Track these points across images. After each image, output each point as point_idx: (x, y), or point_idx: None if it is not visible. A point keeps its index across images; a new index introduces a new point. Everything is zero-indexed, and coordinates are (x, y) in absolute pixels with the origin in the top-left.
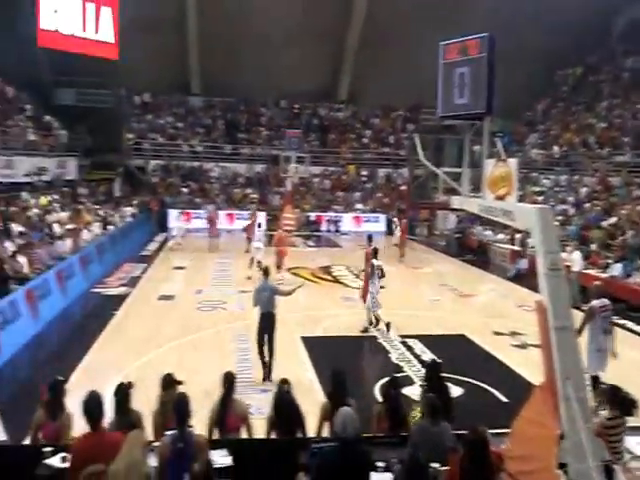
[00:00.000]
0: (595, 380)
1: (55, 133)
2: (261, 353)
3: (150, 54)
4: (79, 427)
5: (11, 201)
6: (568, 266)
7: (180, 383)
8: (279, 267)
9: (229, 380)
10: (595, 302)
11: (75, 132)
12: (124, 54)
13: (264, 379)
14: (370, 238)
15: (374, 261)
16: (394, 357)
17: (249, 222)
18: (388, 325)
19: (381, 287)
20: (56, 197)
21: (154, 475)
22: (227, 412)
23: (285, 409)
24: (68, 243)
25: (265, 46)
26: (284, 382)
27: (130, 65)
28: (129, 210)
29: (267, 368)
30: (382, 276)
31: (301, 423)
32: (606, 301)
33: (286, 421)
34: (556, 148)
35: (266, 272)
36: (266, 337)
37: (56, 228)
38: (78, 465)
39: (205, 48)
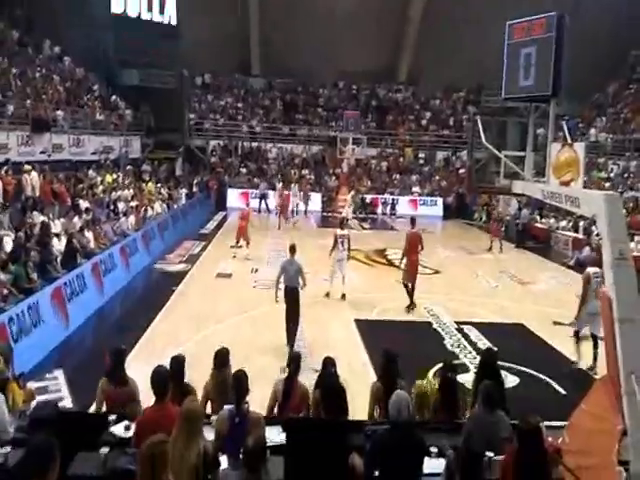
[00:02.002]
0: None
1: (121, 113)
2: (287, 322)
3: (211, 35)
4: (142, 396)
5: (79, 178)
6: (637, 257)
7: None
8: (237, 242)
9: (296, 361)
10: (590, 269)
11: (139, 112)
12: (186, 35)
13: (287, 343)
14: (413, 221)
15: (338, 231)
16: (449, 343)
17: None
18: (343, 296)
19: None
20: (121, 175)
21: (211, 448)
22: (291, 393)
23: (331, 390)
24: (132, 220)
25: (325, 26)
26: (330, 361)
27: (192, 46)
28: (183, 192)
29: (291, 334)
30: (348, 247)
31: (344, 406)
32: (599, 270)
33: (332, 402)
34: (626, 132)
35: (292, 249)
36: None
37: (120, 205)
38: (143, 435)
39: (265, 29)
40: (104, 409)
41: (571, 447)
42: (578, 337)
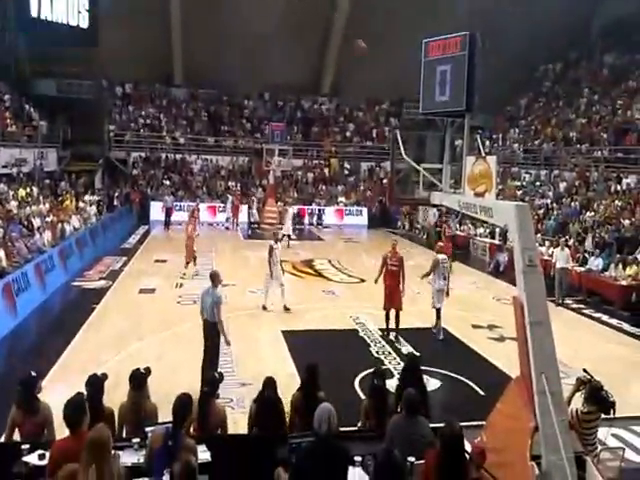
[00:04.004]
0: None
1: (35, 124)
2: (205, 358)
3: (132, 44)
4: (58, 422)
5: None
6: (548, 261)
7: (148, 373)
8: (188, 262)
9: (212, 384)
10: (439, 256)
11: (55, 123)
12: (106, 44)
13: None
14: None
15: (273, 244)
16: (374, 350)
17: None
18: (286, 308)
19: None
20: (35, 189)
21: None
22: (207, 414)
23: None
24: (48, 236)
25: (249, 38)
26: (269, 383)
27: (111, 55)
28: (92, 208)
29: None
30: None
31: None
32: (445, 257)
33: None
34: (537, 143)
35: (212, 278)
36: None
37: (35, 221)
38: (57, 465)
39: (188, 39)
40: (17, 438)
41: (487, 445)
42: (438, 312)
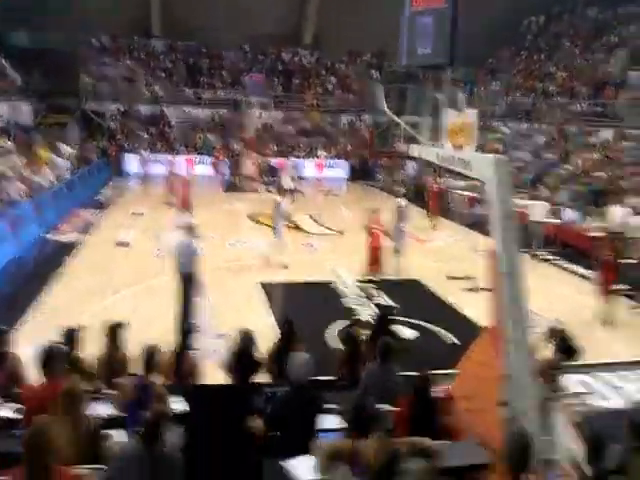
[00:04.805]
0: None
1: (8, 76)
2: (181, 311)
3: None
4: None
5: None
6: (523, 214)
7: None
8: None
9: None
10: (402, 202)
11: (29, 75)
12: None
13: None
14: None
15: (276, 198)
16: (351, 302)
17: None
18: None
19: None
20: (9, 143)
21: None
22: (181, 366)
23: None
24: (22, 188)
25: None
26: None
27: (88, 5)
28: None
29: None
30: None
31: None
32: (404, 202)
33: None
34: (517, 96)
35: (188, 230)
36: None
37: (9, 173)
38: (31, 414)
39: None
40: None
41: (459, 392)
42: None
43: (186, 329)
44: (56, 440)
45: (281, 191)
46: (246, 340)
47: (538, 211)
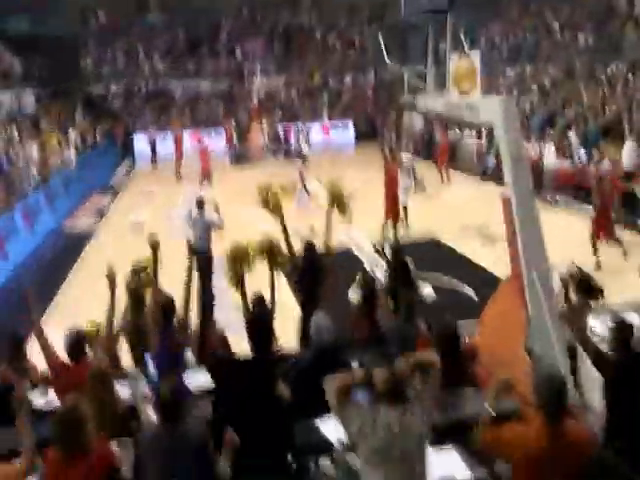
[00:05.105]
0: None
1: (8, 63)
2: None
3: None
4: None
5: None
6: (535, 159)
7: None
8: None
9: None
10: (403, 155)
11: (29, 62)
12: None
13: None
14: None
15: (300, 167)
16: (368, 265)
17: None
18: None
19: None
20: (15, 133)
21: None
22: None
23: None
24: (36, 171)
25: None
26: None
27: None
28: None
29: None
30: None
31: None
32: (410, 156)
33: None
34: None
35: (200, 204)
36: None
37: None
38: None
39: None
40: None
41: (482, 342)
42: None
43: (206, 302)
44: (88, 416)
45: (300, 156)
46: (258, 306)
47: (547, 154)
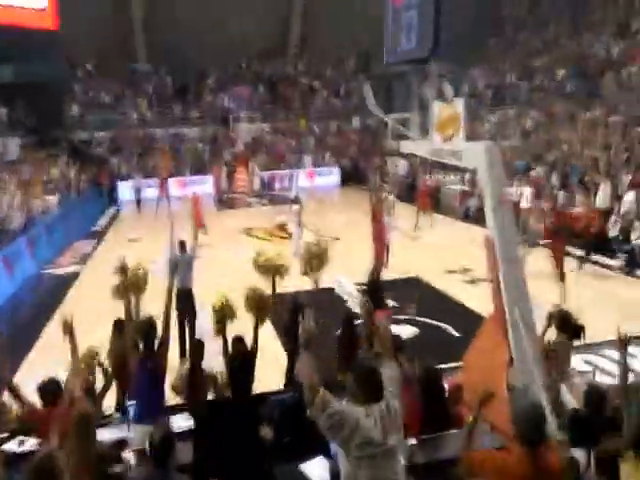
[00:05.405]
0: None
1: None
2: (181, 334)
3: (91, 22)
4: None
5: None
6: (516, 202)
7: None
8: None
9: (198, 349)
10: (388, 197)
11: (15, 110)
12: (64, 24)
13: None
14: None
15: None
16: (351, 304)
17: None
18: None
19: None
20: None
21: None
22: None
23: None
24: (19, 217)
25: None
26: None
27: (70, 36)
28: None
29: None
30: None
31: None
32: (390, 197)
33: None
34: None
35: (181, 244)
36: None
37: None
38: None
39: (147, 11)
40: None
41: (466, 382)
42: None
43: (196, 344)
44: (64, 468)
45: (295, 201)
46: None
47: (525, 197)
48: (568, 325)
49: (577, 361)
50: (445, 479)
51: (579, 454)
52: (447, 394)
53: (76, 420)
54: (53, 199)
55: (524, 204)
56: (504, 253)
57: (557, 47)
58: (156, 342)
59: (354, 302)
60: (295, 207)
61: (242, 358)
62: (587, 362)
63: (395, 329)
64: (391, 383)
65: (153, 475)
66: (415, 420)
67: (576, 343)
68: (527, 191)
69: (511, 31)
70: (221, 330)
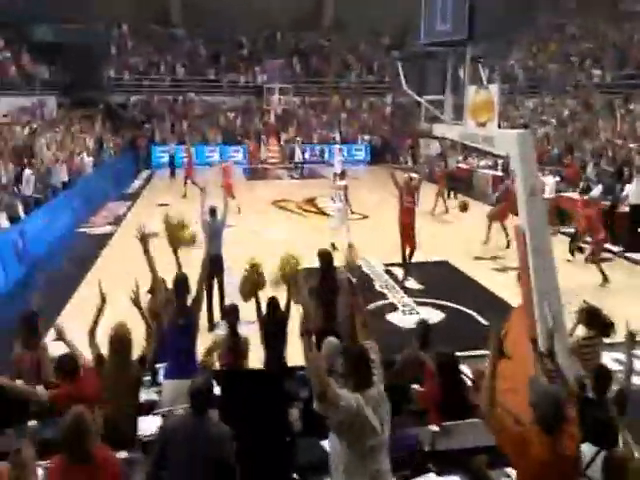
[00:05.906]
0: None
1: (32, 71)
2: (209, 299)
3: None
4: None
5: None
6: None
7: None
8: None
9: (233, 312)
10: (414, 177)
11: (53, 69)
12: None
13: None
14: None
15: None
16: (378, 285)
17: None
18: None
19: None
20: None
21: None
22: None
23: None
24: (63, 170)
25: None
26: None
27: None
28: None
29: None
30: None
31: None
32: (416, 177)
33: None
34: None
35: (212, 212)
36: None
37: (47, 156)
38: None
39: None
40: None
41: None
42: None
43: (230, 307)
44: (94, 426)
45: (341, 175)
46: (276, 309)
47: (550, 186)
48: (597, 321)
49: (607, 360)
50: (466, 468)
51: (586, 449)
52: (471, 382)
53: (114, 338)
54: (89, 160)
55: (547, 194)
56: (534, 243)
57: (596, 34)
58: (189, 298)
59: (382, 284)
60: (342, 182)
61: (276, 322)
62: (616, 360)
63: (422, 313)
64: (375, 365)
65: (192, 421)
66: (435, 407)
67: (608, 341)
68: (551, 181)
69: (549, 17)
70: (253, 293)
